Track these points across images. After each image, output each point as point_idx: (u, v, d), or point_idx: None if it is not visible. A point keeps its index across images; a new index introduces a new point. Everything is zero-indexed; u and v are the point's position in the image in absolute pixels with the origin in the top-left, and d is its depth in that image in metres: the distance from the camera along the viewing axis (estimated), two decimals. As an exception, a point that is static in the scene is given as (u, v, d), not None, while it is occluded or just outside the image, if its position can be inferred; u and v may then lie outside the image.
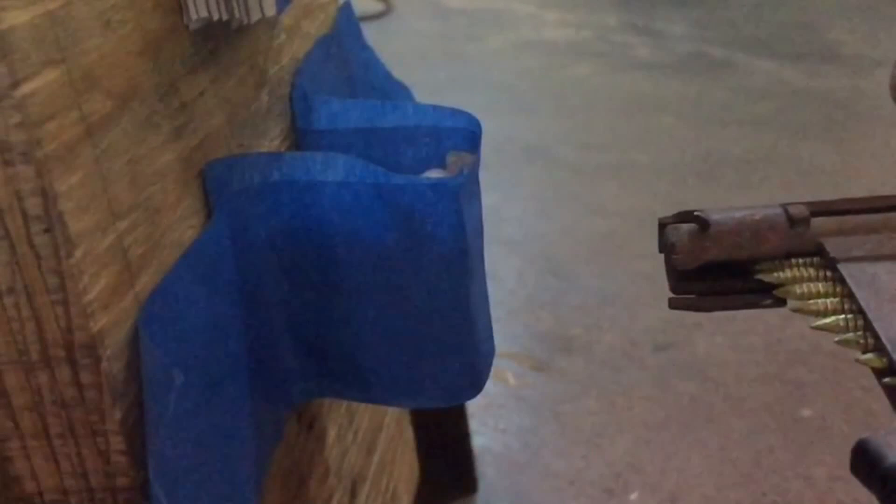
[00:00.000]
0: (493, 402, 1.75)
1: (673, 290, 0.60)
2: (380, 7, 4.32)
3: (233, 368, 0.60)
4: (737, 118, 3.21)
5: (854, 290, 0.51)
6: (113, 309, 0.46)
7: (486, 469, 1.58)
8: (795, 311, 0.54)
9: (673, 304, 0.58)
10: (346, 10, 0.91)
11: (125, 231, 0.46)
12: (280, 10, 0.57)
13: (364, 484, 1.04)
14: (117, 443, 0.49)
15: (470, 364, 0.73)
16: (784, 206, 0.57)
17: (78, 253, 0.43)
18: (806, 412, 1.72)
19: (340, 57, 0.86)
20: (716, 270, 0.58)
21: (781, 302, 0.57)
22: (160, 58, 0.50)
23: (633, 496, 1.54)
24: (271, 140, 0.68)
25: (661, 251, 0.59)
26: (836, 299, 0.53)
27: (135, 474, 0.49)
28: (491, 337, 0.80)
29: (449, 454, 1.53)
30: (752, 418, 1.70)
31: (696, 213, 0.57)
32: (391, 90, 0.95)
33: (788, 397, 1.76)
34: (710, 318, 1.94)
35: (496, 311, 2.06)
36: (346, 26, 0.89)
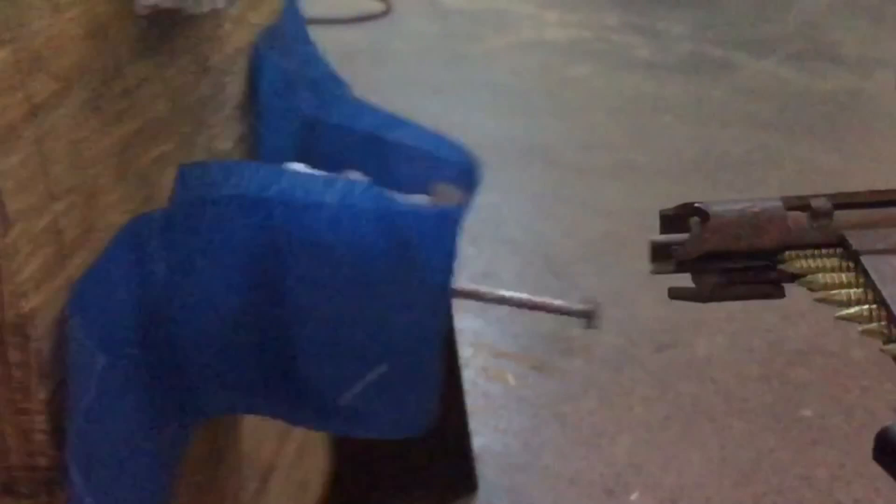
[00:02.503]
0: (493, 402, 1.75)
1: (693, 279, 0.59)
2: (379, 7, 4.31)
3: (157, 359, 0.58)
4: (737, 118, 3.21)
5: (877, 282, 0.51)
6: (45, 290, 0.46)
7: (486, 469, 1.58)
8: (819, 301, 0.54)
9: (673, 294, 0.58)
10: (292, 3, 0.90)
11: (61, 213, 0.46)
12: (230, 2, 0.57)
13: (276, 472, 1.03)
14: (40, 422, 0.48)
15: (426, 400, 0.73)
16: (784, 199, 0.58)
17: (14, 232, 0.43)
18: (806, 412, 1.72)
19: (283, 48, 0.85)
20: (724, 262, 0.58)
21: (781, 292, 0.57)
22: (106, 42, 0.49)
23: (634, 496, 1.54)
24: (211, 128, 0.66)
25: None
26: (860, 290, 0.53)
27: (55, 454, 0.49)
28: (440, 375, 0.79)
29: (449, 454, 1.53)
30: (752, 418, 1.70)
31: (696, 205, 0.57)
32: (328, 86, 0.94)
33: (788, 397, 1.76)
34: (710, 319, 1.94)
35: (497, 311, 2.07)
36: (291, 19, 0.88)
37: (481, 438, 1.64)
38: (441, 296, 0.66)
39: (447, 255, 0.65)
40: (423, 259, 0.64)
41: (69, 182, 0.47)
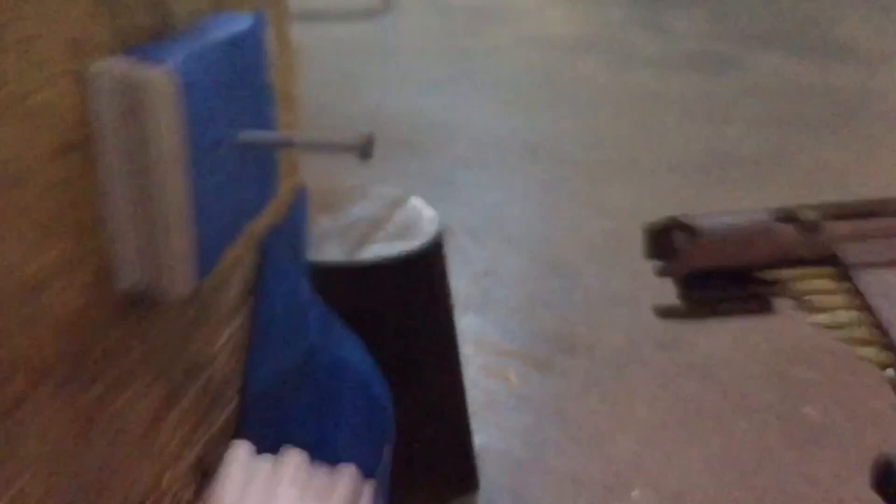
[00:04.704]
0: (495, 401, 1.75)
1: (679, 296, 0.59)
2: (380, 2, 4.31)
3: None
4: (744, 115, 3.19)
5: (870, 301, 0.50)
6: None
7: (488, 467, 1.58)
8: (814, 324, 0.53)
9: (658, 312, 0.57)
10: (301, 201, 0.88)
11: (27, 481, 0.50)
12: (197, 283, 0.60)
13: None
14: None
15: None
16: (774, 211, 0.56)
17: None
18: (808, 411, 1.72)
19: (287, 249, 0.86)
20: (716, 277, 0.57)
21: (770, 308, 0.56)
22: (84, 322, 0.54)
23: (635, 494, 1.54)
24: (189, 351, 0.70)
25: (646, 258, 0.58)
26: (854, 312, 0.52)
27: None
28: None
29: (450, 453, 1.53)
30: (754, 417, 1.70)
31: (681, 220, 0.56)
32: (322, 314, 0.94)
33: (790, 396, 1.75)
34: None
35: (498, 310, 2.07)
36: (297, 218, 0.88)
37: (483, 437, 1.64)
38: None
39: None
40: None
41: (34, 456, 0.52)
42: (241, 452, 0.62)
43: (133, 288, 0.58)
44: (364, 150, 0.64)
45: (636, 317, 1.98)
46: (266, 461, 0.62)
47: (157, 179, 0.54)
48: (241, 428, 0.77)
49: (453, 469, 1.54)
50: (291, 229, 0.84)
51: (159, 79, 0.53)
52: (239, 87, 0.63)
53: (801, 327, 2.18)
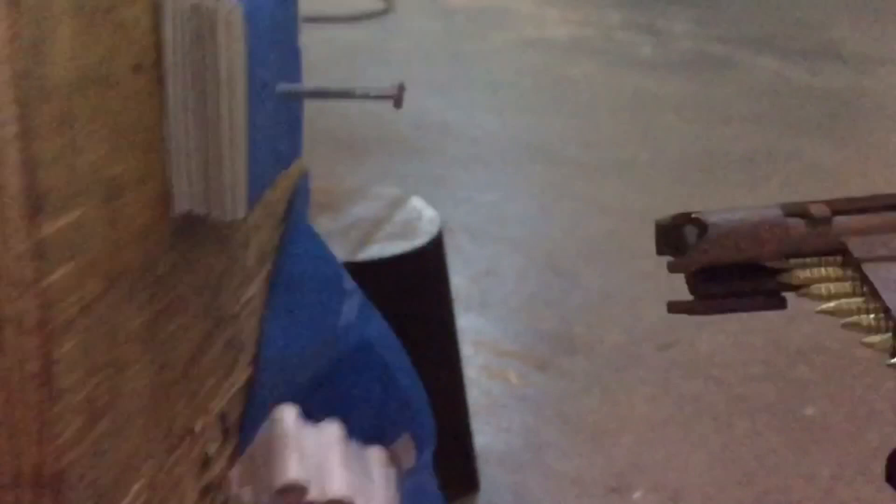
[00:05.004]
0: (496, 401, 1.75)
1: (691, 291, 0.58)
2: (381, 5, 4.31)
3: None
4: (739, 116, 3.20)
5: (881, 292, 0.51)
6: (75, 451, 0.54)
7: (488, 468, 1.58)
8: (822, 312, 0.53)
9: (672, 308, 0.57)
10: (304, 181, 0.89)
11: (95, 385, 0.55)
12: (250, 211, 0.65)
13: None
14: None
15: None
16: (784, 206, 0.56)
17: (59, 405, 0.52)
18: (808, 411, 1.72)
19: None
20: (725, 272, 0.57)
21: (782, 303, 0.56)
22: (145, 243, 0.59)
23: (636, 495, 1.54)
24: (222, 298, 0.74)
25: (659, 254, 0.58)
26: (861, 300, 0.52)
27: None
28: None
29: (450, 453, 1.53)
30: (754, 417, 1.70)
31: (693, 215, 0.56)
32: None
33: (791, 396, 1.76)
34: (712, 318, 1.93)
35: (498, 310, 2.07)
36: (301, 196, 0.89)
37: (483, 437, 1.63)
38: None
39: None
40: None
41: (105, 359, 0.56)
42: (287, 416, 0.64)
43: (189, 213, 0.62)
44: (397, 98, 0.69)
45: (636, 317, 1.98)
46: (312, 428, 0.64)
47: (223, 104, 0.58)
48: (253, 391, 0.78)
49: (453, 470, 1.54)
50: (300, 208, 0.85)
51: (230, 9, 0.56)
52: (281, 41, 0.67)
53: (802, 327, 2.18)
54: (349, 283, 0.86)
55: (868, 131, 3.12)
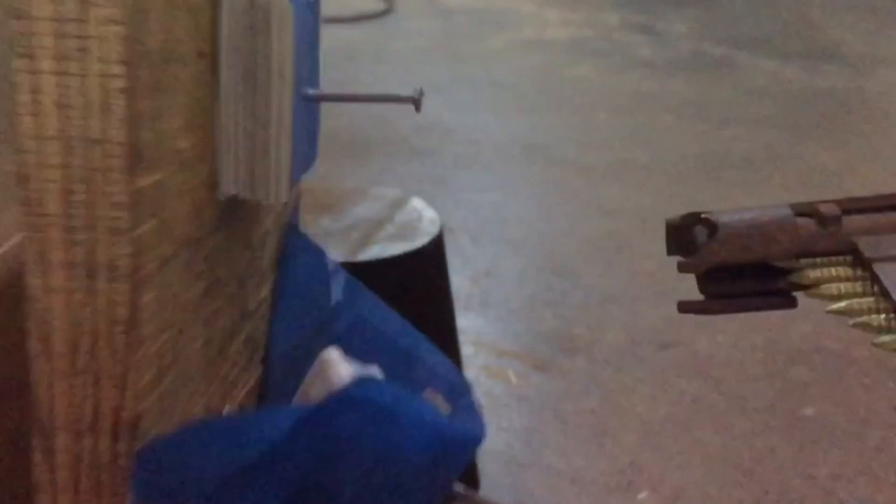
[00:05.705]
0: (495, 401, 1.75)
1: (702, 291, 0.59)
2: (381, 6, 4.32)
3: None
4: (738, 117, 3.21)
5: (891, 292, 0.51)
6: (149, 399, 0.58)
7: (488, 468, 1.58)
8: (832, 312, 0.53)
9: (682, 308, 0.57)
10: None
11: (164, 342, 0.60)
12: (289, 195, 0.70)
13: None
14: None
15: None
16: (794, 205, 0.57)
17: (140, 352, 0.56)
18: (808, 411, 1.72)
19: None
20: (735, 272, 0.57)
21: (793, 303, 0.56)
22: (200, 220, 0.64)
23: (636, 495, 1.54)
24: (246, 287, 0.78)
25: (669, 254, 0.58)
26: (872, 300, 0.52)
27: None
28: None
29: (451, 453, 1.53)
30: (754, 417, 1.70)
31: (704, 216, 0.56)
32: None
33: (790, 396, 1.76)
34: (712, 317, 1.94)
35: (498, 310, 2.07)
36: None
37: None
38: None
39: (458, 474, 0.67)
40: (447, 476, 0.66)
41: (171, 318, 0.60)
42: (334, 353, 0.66)
43: (233, 198, 0.66)
44: (417, 102, 0.77)
45: (636, 317, 1.98)
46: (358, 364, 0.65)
47: (273, 95, 0.63)
48: (263, 388, 0.78)
49: (454, 470, 1.54)
50: (296, 214, 0.88)
51: (283, 6, 0.62)
52: (309, 47, 0.71)
53: (801, 327, 2.19)
54: (332, 262, 0.87)
55: (868, 132, 3.13)
